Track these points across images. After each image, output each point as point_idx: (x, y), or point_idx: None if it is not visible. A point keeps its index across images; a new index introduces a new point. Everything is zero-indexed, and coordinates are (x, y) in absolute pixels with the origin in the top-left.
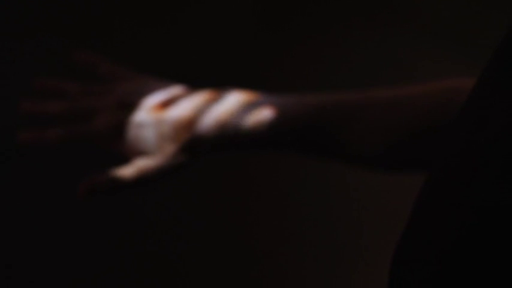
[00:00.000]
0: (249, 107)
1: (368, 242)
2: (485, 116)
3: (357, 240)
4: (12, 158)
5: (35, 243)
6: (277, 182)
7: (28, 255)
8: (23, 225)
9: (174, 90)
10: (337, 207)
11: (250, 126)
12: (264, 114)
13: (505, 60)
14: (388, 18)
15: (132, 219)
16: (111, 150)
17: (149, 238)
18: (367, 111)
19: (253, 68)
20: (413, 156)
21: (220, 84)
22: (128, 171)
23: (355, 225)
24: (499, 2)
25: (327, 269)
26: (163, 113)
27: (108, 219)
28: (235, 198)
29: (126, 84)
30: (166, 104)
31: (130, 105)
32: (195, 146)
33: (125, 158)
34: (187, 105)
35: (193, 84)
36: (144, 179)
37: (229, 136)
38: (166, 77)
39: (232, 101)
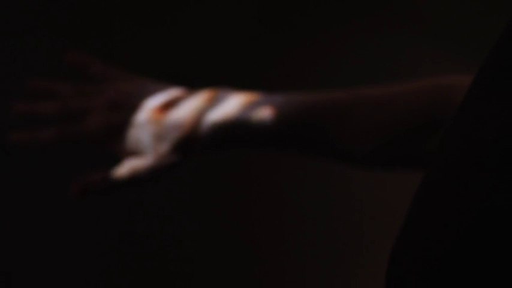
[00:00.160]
0: (242, 108)
1: (368, 242)
2: (483, 116)
3: (357, 240)
4: (5, 158)
5: (30, 243)
6: (277, 182)
7: (25, 256)
8: (20, 225)
9: (173, 92)
10: (337, 207)
11: (240, 125)
12: (255, 114)
13: (501, 60)
14: (388, 19)
15: (131, 219)
16: (104, 150)
17: (148, 238)
18: (357, 110)
19: (253, 68)
20: (405, 153)
21: (220, 84)
22: (120, 171)
23: (355, 225)
24: (499, 2)
25: (327, 269)
26: (157, 114)
27: (107, 219)
28: (235, 198)
29: (118, 85)
30: (167, 106)
31: (122, 105)
32: (188, 145)
33: (118, 158)
34: (184, 107)
35: (194, 84)
36: (136, 179)
37: (221, 136)
38: (166, 77)
39: (224, 102)
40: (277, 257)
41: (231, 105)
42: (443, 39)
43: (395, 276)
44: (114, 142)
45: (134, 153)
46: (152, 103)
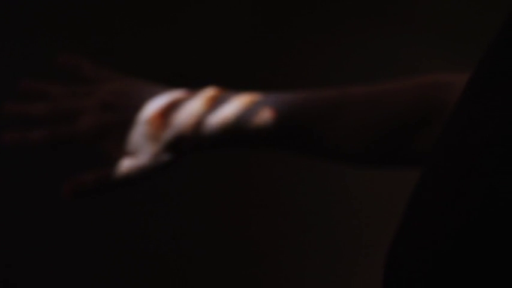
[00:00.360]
0: (240, 109)
1: (368, 242)
2: (479, 115)
3: (357, 240)
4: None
5: (27, 243)
6: (277, 182)
7: (23, 256)
8: (16, 225)
9: (173, 94)
10: (337, 207)
11: (236, 127)
12: (252, 115)
13: (497, 59)
14: (388, 18)
15: (130, 219)
16: (97, 150)
17: (147, 238)
18: (345, 109)
19: (253, 68)
20: (394, 152)
21: (220, 84)
22: (112, 171)
23: (355, 225)
24: (499, 2)
25: (327, 269)
26: (156, 118)
27: (105, 218)
28: (234, 198)
29: (109, 85)
30: (167, 110)
31: (114, 105)
32: (179, 145)
33: (110, 158)
34: (184, 110)
35: (193, 84)
36: (129, 179)
37: (217, 137)
38: (166, 77)
39: (224, 104)
40: (276, 257)
41: (230, 107)
42: (442, 39)
43: (392, 276)
44: (106, 142)
45: (127, 153)
46: (152, 107)
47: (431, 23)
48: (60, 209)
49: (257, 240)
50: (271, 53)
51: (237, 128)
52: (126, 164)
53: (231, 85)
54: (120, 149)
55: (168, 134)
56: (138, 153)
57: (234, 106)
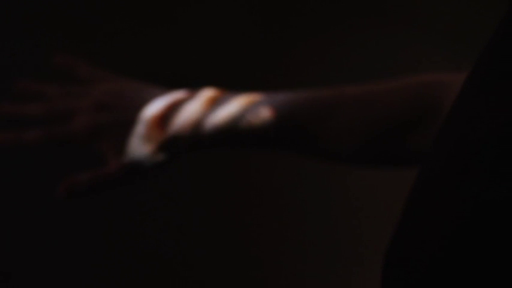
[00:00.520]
0: (238, 111)
1: (368, 242)
2: (477, 114)
3: (357, 240)
4: None
5: (25, 244)
6: (277, 182)
7: (20, 256)
8: (13, 226)
9: (173, 95)
10: (337, 207)
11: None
12: (249, 117)
13: (495, 57)
14: (388, 18)
15: (130, 219)
16: (92, 150)
17: (147, 238)
18: (340, 109)
19: (253, 68)
20: (388, 151)
21: (220, 84)
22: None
23: (355, 225)
24: (499, 2)
25: (326, 269)
26: (156, 121)
27: (104, 218)
28: (234, 198)
29: (104, 85)
30: (167, 111)
31: (108, 105)
32: (174, 144)
33: (105, 158)
34: (183, 111)
35: (193, 84)
36: (123, 179)
37: (210, 134)
38: (166, 77)
39: (223, 105)
40: (276, 257)
41: (229, 107)
42: (442, 39)
43: (390, 276)
44: (101, 142)
45: (122, 153)
46: (152, 109)
47: (431, 23)
48: (58, 209)
49: (257, 240)
50: (271, 53)
51: (236, 128)
52: (121, 164)
53: (231, 85)
54: (115, 149)
55: (164, 134)
56: (134, 153)
57: (233, 106)
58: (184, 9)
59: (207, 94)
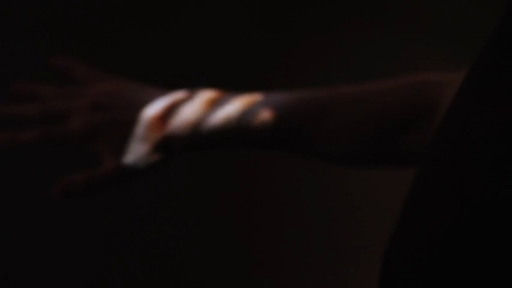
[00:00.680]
0: (237, 112)
1: (367, 242)
2: (475, 113)
3: (357, 239)
4: None
5: (24, 244)
6: (277, 182)
7: (19, 256)
8: (11, 226)
9: (173, 96)
10: (336, 206)
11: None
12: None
13: (492, 57)
14: (388, 18)
15: (129, 219)
16: (87, 151)
17: (146, 238)
18: (335, 109)
19: (253, 68)
20: (383, 151)
21: (220, 84)
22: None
23: (354, 225)
24: (499, 2)
25: (325, 268)
26: (156, 122)
27: (104, 218)
28: (234, 198)
29: (100, 86)
30: (166, 112)
31: (104, 105)
32: (168, 145)
33: (100, 158)
34: (183, 112)
35: (194, 84)
36: (118, 179)
37: (199, 135)
38: (166, 77)
39: (223, 106)
40: (276, 257)
41: (229, 108)
42: (442, 39)
43: (388, 276)
44: (96, 142)
45: (117, 153)
46: (152, 110)
47: (432, 23)
48: (56, 209)
49: (256, 240)
50: (271, 53)
51: (234, 129)
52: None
53: (231, 85)
54: (110, 149)
55: (161, 134)
56: (128, 153)
57: (232, 107)
58: (184, 9)
59: (206, 95)
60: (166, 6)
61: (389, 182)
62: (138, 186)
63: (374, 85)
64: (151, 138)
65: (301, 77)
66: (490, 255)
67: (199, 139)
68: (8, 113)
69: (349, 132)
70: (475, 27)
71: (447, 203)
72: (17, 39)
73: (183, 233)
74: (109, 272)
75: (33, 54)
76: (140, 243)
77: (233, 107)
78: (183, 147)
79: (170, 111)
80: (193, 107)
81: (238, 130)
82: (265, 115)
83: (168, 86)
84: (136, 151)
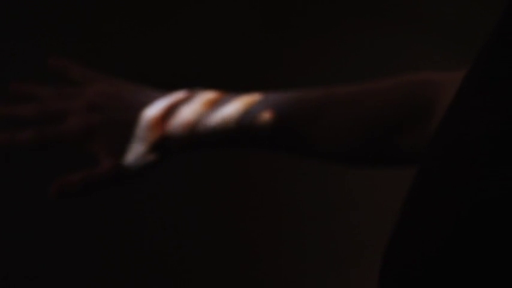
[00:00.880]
0: (236, 113)
1: (366, 242)
2: (474, 113)
3: (356, 239)
4: None
5: (23, 244)
6: (276, 182)
7: (18, 256)
8: (9, 227)
9: (173, 97)
10: (335, 206)
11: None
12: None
13: (491, 57)
14: (389, 18)
15: (129, 219)
16: (84, 151)
17: (146, 238)
18: (331, 108)
19: (254, 68)
20: (379, 151)
21: (220, 84)
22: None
23: (353, 225)
24: (499, 2)
25: (325, 268)
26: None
27: (103, 218)
28: (234, 197)
29: (96, 86)
30: (166, 113)
31: (100, 106)
32: (165, 145)
33: (97, 158)
34: (183, 113)
35: (194, 84)
36: (114, 179)
37: (197, 135)
38: (166, 77)
39: (222, 107)
40: (275, 257)
41: (228, 108)
42: (442, 39)
43: (388, 276)
44: (92, 143)
45: (113, 153)
46: (152, 111)
47: (432, 23)
48: (55, 209)
49: (256, 240)
50: (271, 53)
51: (233, 129)
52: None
53: (231, 85)
54: (107, 150)
55: (160, 134)
56: (125, 153)
57: (231, 108)
58: (184, 9)
59: (206, 96)
60: (166, 6)
61: (389, 182)
62: (138, 186)
63: (372, 84)
64: (149, 139)
65: (301, 77)
66: (489, 255)
67: (199, 139)
68: (5, 114)
69: (347, 131)
70: (475, 27)
71: (447, 203)
72: (17, 40)
73: (182, 233)
74: (108, 272)
75: (32, 54)
76: (140, 243)
77: (232, 107)
78: (182, 147)
79: (170, 111)
80: (193, 108)
81: (237, 130)
82: (264, 115)
83: (167, 86)
84: (134, 151)
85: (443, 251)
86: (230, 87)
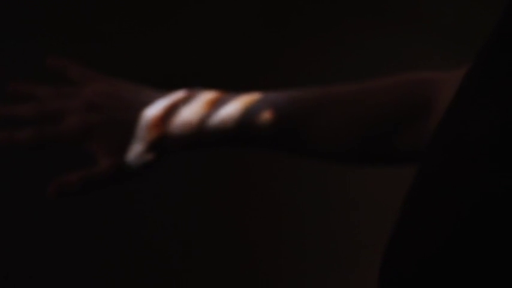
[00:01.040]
0: (235, 113)
1: (367, 242)
2: (474, 114)
3: (356, 239)
4: None
5: (22, 244)
6: (276, 182)
7: (17, 257)
8: (8, 227)
9: (173, 97)
10: (335, 206)
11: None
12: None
13: (491, 58)
14: (389, 18)
15: (128, 219)
16: (82, 150)
17: (145, 238)
18: (330, 107)
19: (253, 68)
20: (380, 150)
21: (220, 83)
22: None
23: (353, 224)
24: (499, 2)
25: (325, 268)
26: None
27: (102, 218)
28: (233, 198)
29: (95, 86)
30: (167, 113)
31: (99, 105)
32: (163, 144)
33: (95, 157)
34: (183, 113)
35: (194, 84)
36: (112, 178)
37: (197, 134)
38: (166, 77)
39: (222, 107)
40: (275, 257)
41: (228, 108)
42: (442, 39)
43: (388, 276)
44: (91, 142)
45: (112, 152)
46: (152, 111)
47: (432, 23)
48: (55, 209)
49: (256, 240)
50: (271, 53)
51: (233, 129)
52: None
53: (231, 85)
54: (106, 149)
55: (157, 134)
56: (124, 153)
57: (231, 107)
58: (184, 9)
59: (206, 96)
60: (166, 6)
61: (389, 181)
62: (138, 186)
63: (371, 83)
64: (148, 138)
65: (302, 76)
66: (489, 255)
67: (199, 139)
68: (4, 113)
69: (346, 130)
70: (475, 27)
71: (447, 203)
72: (17, 40)
73: (182, 233)
74: (108, 272)
75: (32, 54)
76: (140, 243)
77: (232, 107)
78: (182, 146)
79: (170, 111)
80: (193, 108)
81: (237, 130)
82: (264, 115)
83: (168, 86)
84: (132, 151)
85: (443, 250)
86: (230, 87)
